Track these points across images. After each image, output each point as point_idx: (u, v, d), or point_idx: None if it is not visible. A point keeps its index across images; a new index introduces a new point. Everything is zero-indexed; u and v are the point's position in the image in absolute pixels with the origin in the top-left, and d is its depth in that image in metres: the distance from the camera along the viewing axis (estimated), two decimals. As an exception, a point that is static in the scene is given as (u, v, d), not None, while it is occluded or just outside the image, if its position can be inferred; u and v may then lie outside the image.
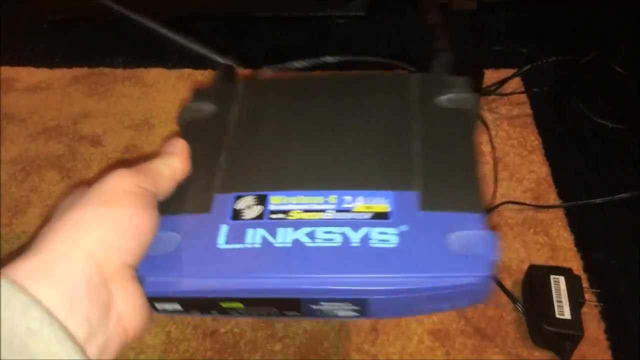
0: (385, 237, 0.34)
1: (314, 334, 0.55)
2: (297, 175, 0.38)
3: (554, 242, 0.62)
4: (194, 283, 0.34)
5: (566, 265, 0.59)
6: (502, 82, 0.77)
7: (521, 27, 0.89)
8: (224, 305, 0.35)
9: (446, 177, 0.36)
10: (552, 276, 0.55)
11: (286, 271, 0.33)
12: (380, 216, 0.35)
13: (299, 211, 0.36)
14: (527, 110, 0.76)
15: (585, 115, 0.74)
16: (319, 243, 0.34)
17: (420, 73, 0.45)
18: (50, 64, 0.84)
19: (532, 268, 0.57)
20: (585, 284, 0.57)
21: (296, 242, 0.34)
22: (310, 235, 0.34)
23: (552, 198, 0.66)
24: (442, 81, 0.42)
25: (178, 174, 0.37)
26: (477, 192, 0.36)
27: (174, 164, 0.37)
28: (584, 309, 0.55)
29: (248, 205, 0.36)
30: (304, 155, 0.39)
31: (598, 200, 0.65)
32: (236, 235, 0.35)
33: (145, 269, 0.33)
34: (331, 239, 0.34)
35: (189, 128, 0.41)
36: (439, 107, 0.41)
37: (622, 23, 0.87)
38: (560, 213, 0.65)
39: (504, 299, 0.57)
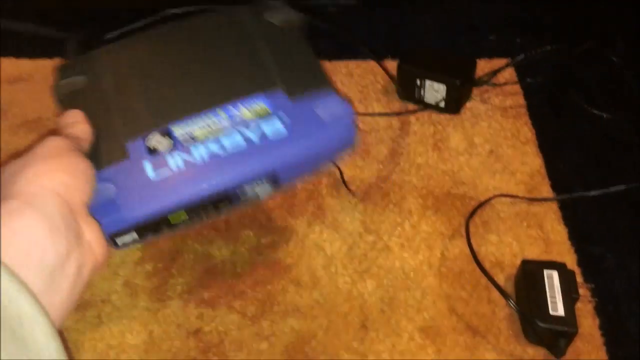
0: (275, 128, 0.45)
1: (302, 332, 0.54)
2: (185, 105, 0.46)
3: (548, 236, 0.60)
4: (142, 210, 0.42)
5: (560, 259, 0.58)
6: (495, 72, 0.75)
7: (516, 17, 0.87)
8: (172, 220, 0.43)
9: (296, 70, 0.49)
10: (545, 271, 0.54)
11: (213, 175, 0.43)
12: (264, 115, 0.45)
13: (201, 131, 0.44)
14: (521, 101, 0.75)
15: (580, 107, 0.73)
16: (230, 150, 0.43)
17: (249, 5, 0.54)
18: (32, 54, 0.82)
19: (525, 263, 0.55)
20: (579, 279, 0.56)
21: (212, 156, 0.43)
22: (221, 146, 0.43)
23: (546, 191, 0.65)
24: (267, 6, 0.53)
25: (88, 136, 0.44)
26: (323, 72, 0.49)
27: (83, 129, 0.44)
28: (578, 305, 0.53)
29: (158, 141, 0.44)
30: (182, 89, 0.47)
31: (593, 193, 0.63)
32: (160, 165, 0.43)
33: (99, 215, 0.39)
34: (238, 144, 0.44)
35: (71, 100, 0.47)
36: (271, 25, 0.52)
37: (619, 13, 0.85)
38: (554, 206, 0.63)
39: (496, 295, 0.55)
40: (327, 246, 0.60)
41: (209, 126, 0.45)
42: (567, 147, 0.70)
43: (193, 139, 0.44)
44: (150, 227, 0.43)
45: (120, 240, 0.43)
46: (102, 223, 0.39)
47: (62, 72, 0.50)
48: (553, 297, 0.52)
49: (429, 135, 0.71)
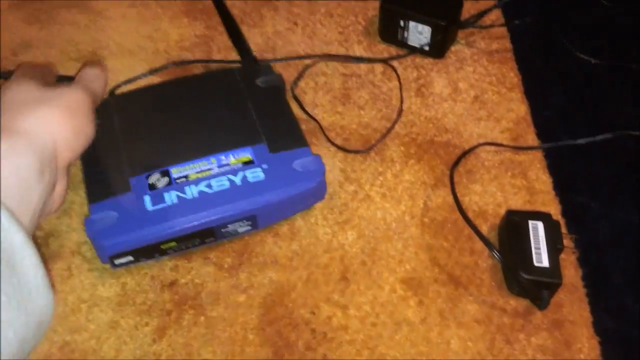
0: (256, 174, 0.53)
1: (280, 283, 0.52)
2: (182, 151, 0.54)
3: (532, 185, 0.59)
4: (139, 238, 0.50)
5: (544, 209, 0.57)
6: (482, 14, 0.72)
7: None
8: (163, 246, 0.51)
9: (278, 128, 0.57)
10: (530, 222, 0.53)
11: (200, 211, 0.50)
12: (248, 163, 0.54)
13: (194, 173, 0.53)
14: (507, 44, 0.72)
15: (568, 51, 0.70)
16: (216, 189, 0.52)
17: (239, 68, 0.64)
18: None
19: (510, 213, 0.54)
20: (563, 230, 0.55)
21: (201, 193, 0.51)
22: (208, 186, 0.52)
23: (531, 139, 0.63)
24: (256, 70, 0.62)
25: (104, 93, 0.51)
26: (300, 133, 0.57)
27: (102, 86, 0.51)
28: (562, 256, 0.52)
29: (157, 179, 0.52)
30: (181, 137, 0.56)
31: (579, 141, 0.62)
32: (158, 199, 0.51)
33: (101, 238, 0.49)
34: (223, 185, 0.52)
35: None
36: (258, 87, 0.60)
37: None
38: (539, 155, 0.62)
39: (479, 245, 0.54)
40: (306, 195, 0.57)
41: (201, 170, 0.53)
42: (553, 94, 0.68)
43: (187, 179, 0.52)
44: (145, 252, 0.50)
45: (117, 261, 0.50)
46: (103, 245, 0.49)
47: None
48: (538, 248, 0.51)
49: (412, 80, 0.68)
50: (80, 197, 0.57)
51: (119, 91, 0.63)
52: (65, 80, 0.53)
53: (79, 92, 0.45)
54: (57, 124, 0.41)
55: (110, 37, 0.71)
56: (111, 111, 0.58)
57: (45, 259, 0.52)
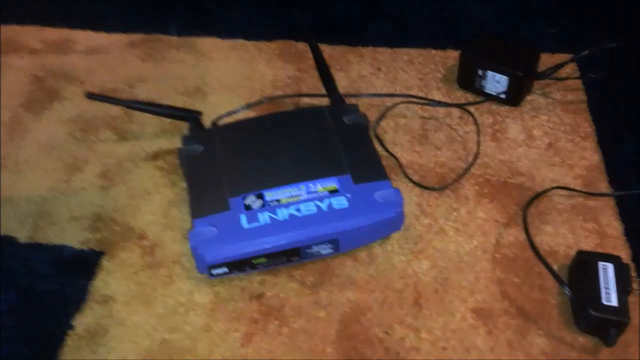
0: (340, 202, 0.58)
1: (357, 303, 0.56)
2: (275, 177, 0.60)
3: (603, 230, 0.61)
4: (234, 251, 0.56)
5: (615, 253, 0.59)
6: (558, 67, 0.76)
7: (574, 7, 0.87)
8: (254, 261, 0.57)
9: (362, 162, 0.62)
10: (600, 262, 0.55)
11: (290, 232, 0.56)
12: (333, 192, 0.59)
13: (285, 198, 0.59)
14: (582, 96, 0.75)
15: (642, 104, 0.73)
16: (304, 213, 0.57)
17: (329, 106, 0.71)
18: (108, 28, 0.86)
19: (581, 253, 0.57)
20: (633, 274, 0.57)
21: (291, 215, 0.57)
22: (298, 210, 0.58)
23: (604, 186, 0.65)
24: (343, 109, 0.69)
25: None
26: (382, 167, 0.63)
27: None
28: (631, 298, 0.54)
29: (252, 201, 0.59)
30: (274, 165, 0.62)
31: (651, 190, 0.64)
32: (252, 219, 0.57)
33: (203, 250, 0.55)
34: (310, 209, 0.58)
35: (190, 162, 0.63)
36: (344, 124, 0.66)
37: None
38: (611, 202, 0.64)
39: (548, 283, 0.57)
40: (384, 225, 0.62)
41: (291, 194, 0.59)
42: (626, 143, 0.70)
43: (279, 202, 0.58)
44: (238, 265, 0.57)
45: (214, 271, 0.57)
46: (204, 256, 0.55)
47: (185, 141, 0.65)
48: (607, 287, 0.53)
49: (487, 125, 0.72)
50: (182, 214, 0.63)
51: (220, 123, 0.71)
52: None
53: None
54: None
55: (212, 75, 0.79)
56: (214, 140, 0.65)
57: (150, 266, 0.59)
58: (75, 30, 0.86)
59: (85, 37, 0.85)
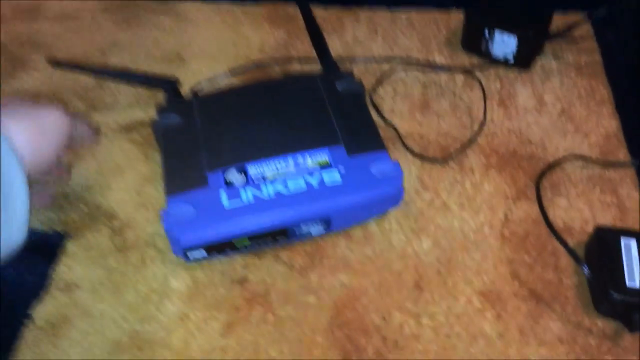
0: (332, 177, 0.52)
1: (351, 287, 0.51)
2: (260, 149, 0.54)
3: (623, 203, 0.56)
4: (213, 233, 0.50)
5: (635, 227, 0.53)
6: (571, 27, 0.69)
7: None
8: (236, 244, 0.51)
9: (357, 131, 0.56)
10: (622, 239, 0.49)
11: (276, 211, 0.50)
12: (325, 165, 0.53)
13: (271, 172, 0.52)
14: (597, 58, 0.69)
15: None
16: (292, 190, 0.51)
17: (321, 73, 0.64)
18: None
19: (600, 229, 0.51)
20: (658, 250, 0.51)
21: (277, 193, 0.51)
22: (285, 186, 0.51)
23: (622, 155, 0.59)
24: (336, 75, 0.62)
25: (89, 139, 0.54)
26: (378, 137, 0.56)
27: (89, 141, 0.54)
28: (657, 278, 0.49)
29: (234, 176, 0.52)
30: (259, 136, 0.55)
31: (676, 159, 0.58)
32: (233, 196, 0.51)
33: (177, 231, 0.49)
34: (300, 186, 0.51)
35: (165, 135, 0.56)
36: (338, 92, 0.60)
37: None
38: (630, 171, 0.58)
39: (564, 261, 0.51)
40: (381, 201, 0.56)
41: (278, 169, 0.52)
42: (647, 110, 0.64)
43: (264, 178, 0.52)
44: (218, 248, 0.51)
45: (191, 255, 0.50)
46: (179, 239, 0.49)
47: (160, 111, 0.59)
48: (630, 267, 0.47)
49: (494, 90, 0.66)
50: (157, 191, 0.57)
51: (200, 92, 0.65)
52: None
53: (59, 118, 0.46)
54: (24, 140, 0.43)
55: (193, 41, 0.73)
56: (192, 110, 0.58)
57: (120, 249, 0.53)
58: (45, -5, 0.80)
59: (55, 3, 0.79)
